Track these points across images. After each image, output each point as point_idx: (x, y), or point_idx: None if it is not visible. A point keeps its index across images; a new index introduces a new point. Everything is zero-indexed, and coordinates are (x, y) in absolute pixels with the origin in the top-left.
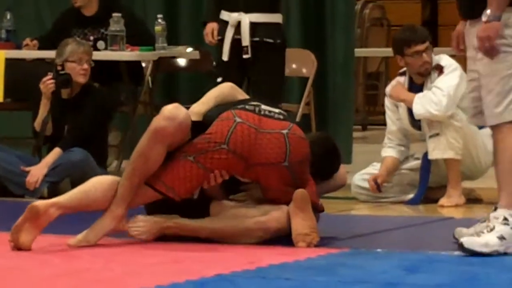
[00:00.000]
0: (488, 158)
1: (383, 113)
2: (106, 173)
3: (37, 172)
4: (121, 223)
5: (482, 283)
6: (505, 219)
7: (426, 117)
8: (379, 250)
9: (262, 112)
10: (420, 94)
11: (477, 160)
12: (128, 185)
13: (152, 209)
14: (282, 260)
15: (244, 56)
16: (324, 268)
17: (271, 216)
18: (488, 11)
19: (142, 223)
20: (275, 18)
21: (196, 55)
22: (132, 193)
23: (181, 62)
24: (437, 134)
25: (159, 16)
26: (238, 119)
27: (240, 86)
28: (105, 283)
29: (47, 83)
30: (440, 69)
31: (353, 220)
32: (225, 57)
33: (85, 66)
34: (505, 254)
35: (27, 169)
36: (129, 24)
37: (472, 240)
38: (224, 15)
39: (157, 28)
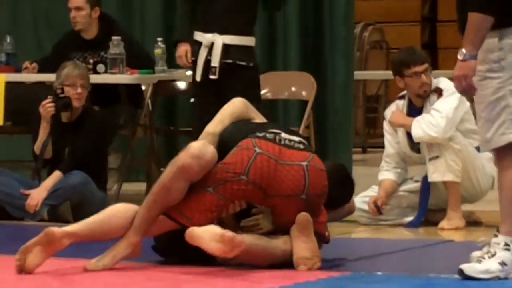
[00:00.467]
0: (487, 181)
1: (383, 135)
2: (106, 196)
3: (37, 196)
4: (136, 249)
5: None
6: (507, 244)
7: (425, 140)
8: (379, 273)
9: (283, 142)
10: (418, 117)
11: (476, 182)
12: (147, 216)
13: (164, 241)
14: (281, 284)
15: (211, 77)
16: None
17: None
18: (464, 50)
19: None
20: (248, 41)
21: None
22: (150, 223)
23: (181, 85)
24: (437, 157)
25: (159, 39)
26: (258, 150)
27: (216, 106)
28: None
29: (47, 107)
30: (439, 92)
31: (354, 243)
32: (198, 77)
33: (79, 90)
34: (506, 279)
35: (27, 192)
36: (129, 47)
37: (472, 266)
38: (198, 35)
39: (157, 51)
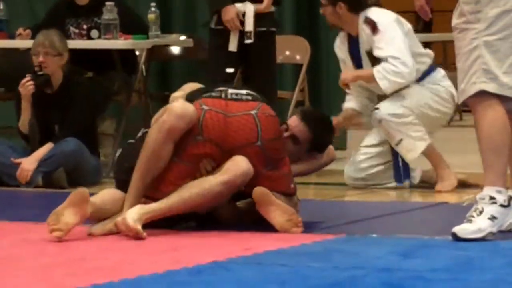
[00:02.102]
0: (448, 101)
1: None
2: (99, 162)
3: (27, 166)
4: None
5: (476, 267)
6: (492, 198)
7: (395, 88)
8: (374, 235)
9: (229, 96)
10: (379, 68)
11: (437, 113)
12: (142, 185)
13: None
14: (277, 246)
15: (247, 41)
16: (319, 254)
17: (231, 170)
18: None
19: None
20: (272, 8)
21: (190, 43)
22: (144, 190)
23: (175, 50)
24: (401, 140)
25: (153, 4)
26: (205, 107)
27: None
28: (101, 272)
29: (27, 85)
30: (372, 23)
31: (347, 206)
32: (234, 48)
33: (41, 58)
34: (501, 232)
35: (18, 161)
36: (122, 13)
37: (464, 228)
38: None
39: (151, 16)
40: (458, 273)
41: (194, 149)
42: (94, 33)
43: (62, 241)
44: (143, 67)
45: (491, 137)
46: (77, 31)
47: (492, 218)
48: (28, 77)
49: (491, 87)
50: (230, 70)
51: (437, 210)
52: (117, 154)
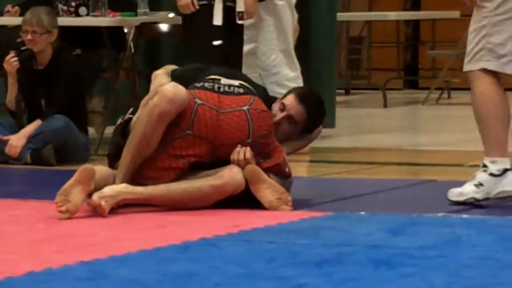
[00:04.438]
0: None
1: (366, 77)
2: (88, 139)
3: (15, 143)
4: None
5: (464, 244)
6: (484, 166)
7: None
8: (362, 213)
9: (222, 90)
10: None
11: None
12: (132, 167)
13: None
14: (265, 223)
15: (239, 22)
16: (307, 231)
17: (224, 178)
18: None
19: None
20: None
21: (178, 20)
22: (133, 173)
23: (163, 27)
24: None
25: None
26: (198, 101)
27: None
28: (89, 248)
29: (11, 62)
30: None
31: (336, 183)
32: (218, 22)
33: (29, 36)
34: (487, 200)
35: (6, 138)
36: None
37: (452, 190)
38: None
39: None
40: (446, 250)
41: (182, 143)
42: (82, 10)
43: (50, 217)
44: (132, 44)
45: (478, 110)
46: (65, 8)
47: (479, 185)
48: (12, 54)
49: (493, 65)
50: (217, 42)
51: (426, 187)
52: (106, 131)
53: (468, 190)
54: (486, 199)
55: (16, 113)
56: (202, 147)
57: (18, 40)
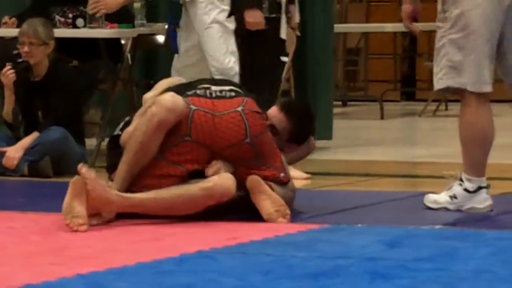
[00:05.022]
0: None
1: (363, 88)
2: (85, 151)
3: (13, 155)
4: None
5: (461, 257)
6: (461, 180)
7: None
8: (359, 225)
9: (214, 95)
10: None
11: None
12: (129, 177)
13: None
14: (262, 236)
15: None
16: (304, 243)
17: (213, 180)
18: None
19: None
20: None
21: None
22: (131, 181)
23: (160, 39)
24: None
25: None
26: (193, 107)
27: None
28: (86, 260)
29: (7, 74)
30: None
31: (333, 195)
32: (284, 35)
33: (25, 48)
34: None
35: (3, 149)
36: None
37: (429, 196)
38: None
39: (136, 5)
40: (442, 263)
41: (180, 149)
42: (79, 21)
43: (46, 229)
44: (129, 55)
45: (462, 135)
46: (62, 19)
47: (453, 197)
48: (8, 66)
49: (456, 83)
50: (285, 58)
51: (423, 200)
52: (103, 143)
53: (442, 200)
54: (458, 211)
55: (13, 125)
56: (200, 152)
57: (15, 52)
